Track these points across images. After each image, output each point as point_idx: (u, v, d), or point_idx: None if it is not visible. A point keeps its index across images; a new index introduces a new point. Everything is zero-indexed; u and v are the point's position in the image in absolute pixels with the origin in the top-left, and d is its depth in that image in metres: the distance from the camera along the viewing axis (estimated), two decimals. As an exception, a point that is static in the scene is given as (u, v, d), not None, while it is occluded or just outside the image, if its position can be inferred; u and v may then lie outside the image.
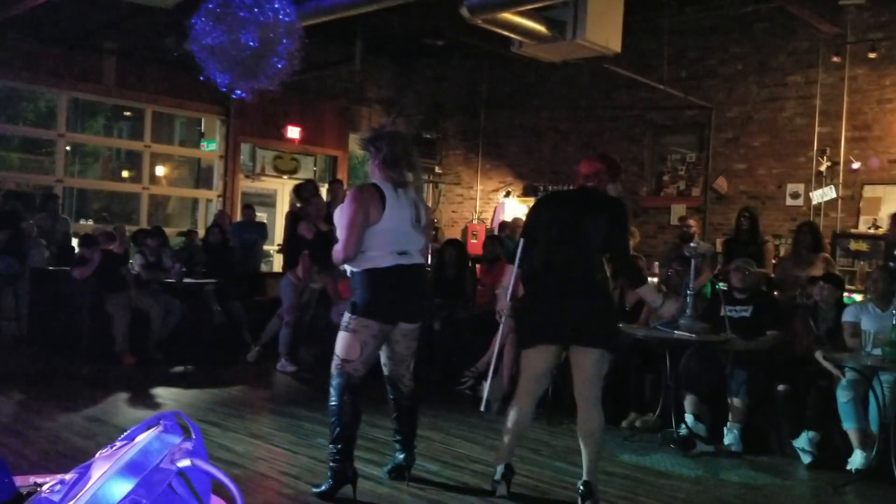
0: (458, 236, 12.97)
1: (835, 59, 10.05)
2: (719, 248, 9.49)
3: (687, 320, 6.16)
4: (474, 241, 13.01)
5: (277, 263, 12.85)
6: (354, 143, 14.88)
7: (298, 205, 10.41)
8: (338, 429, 4.41)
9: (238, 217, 12.52)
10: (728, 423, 6.15)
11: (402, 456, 4.76)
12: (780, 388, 6.01)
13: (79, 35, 11.48)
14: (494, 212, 13.66)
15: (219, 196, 13.47)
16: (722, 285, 7.14)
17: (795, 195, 10.47)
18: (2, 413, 6.30)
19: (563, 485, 5.00)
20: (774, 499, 5.21)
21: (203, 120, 13.88)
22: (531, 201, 13.10)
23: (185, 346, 9.02)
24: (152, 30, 11.14)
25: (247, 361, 8.98)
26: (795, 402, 5.94)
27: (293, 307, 8.81)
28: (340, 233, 4.40)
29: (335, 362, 4.46)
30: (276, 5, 7.21)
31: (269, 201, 14.71)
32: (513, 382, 7.47)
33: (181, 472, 1.23)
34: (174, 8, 8.28)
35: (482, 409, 4.87)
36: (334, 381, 4.44)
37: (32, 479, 1.46)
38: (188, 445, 1.28)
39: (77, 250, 9.46)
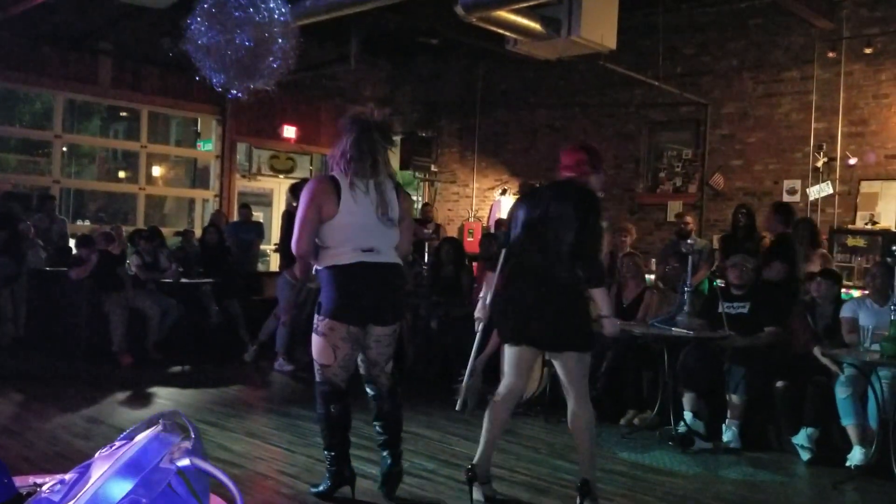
0: (455, 234, 12.96)
1: (830, 54, 10.06)
2: (716, 244, 9.50)
3: (684, 317, 6.17)
4: (471, 238, 13.00)
5: (274, 263, 12.85)
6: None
7: (294, 204, 10.40)
8: (329, 437, 4.32)
9: (235, 217, 12.51)
10: (727, 420, 6.15)
11: (388, 462, 4.45)
12: (779, 384, 6.01)
13: (74, 36, 11.47)
14: (491, 209, 13.66)
15: (215, 196, 13.46)
16: (719, 282, 7.14)
17: (792, 191, 10.47)
18: (0, 414, 6.29)
19: (562, 483, 5.00)
20: (773, 495, 5.21)
21: (199, 120, 13.88)
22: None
23: (182, 346, 9.04)
24: (148, 30, 11.14)
25: (244, 361, 8.99)
26: (794, 399, 5.93)
27: (290, 306, 8.81)
28: (295, 226, 4.22)
29: (315, 367, 4.29)
30: (272, 5, 7.22)
31: (265, 201, 14.72)
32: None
33: (180, 472, 1.23)
34: (169, 8, 8.28)
35: (458, 409, 4.62)
36: (318, 388, 4.29)
37: (32, 479, 1.46)
38: (187, 445, 1.28)
39: (74, 251, 9.45)
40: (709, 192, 11.28)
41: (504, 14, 8.40)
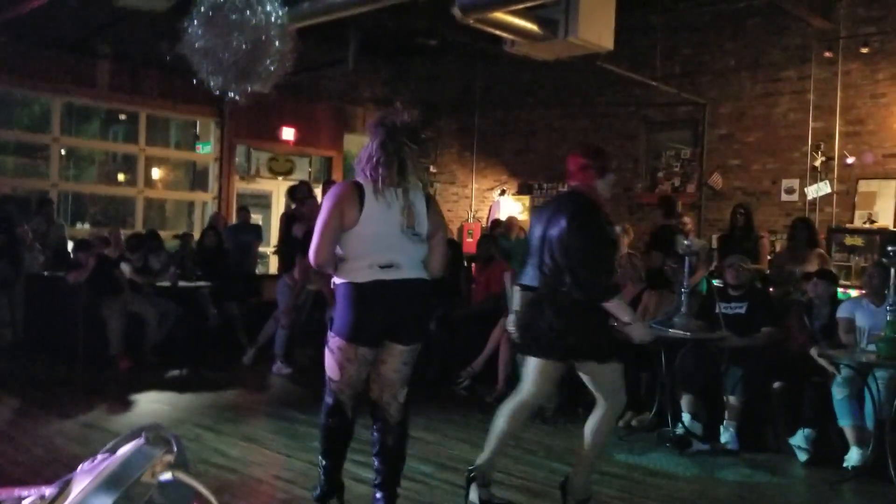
0: (454, 235, 12.96)
1: (827, 54, 10.06)
2: (714, 244, 9.50)
3: (682, 318, 6.15)
4: (470, 239, 13.01)
5: (273, 265, 12.85)
6: (349, 144, 14.90)
7: (293, 206, 10.41)
8: (324, 447, 4.15)
9: (234, 219, 12.51)
10: (724, 422, 6.15)
11: (380, 501, 4.07)
12: (776, 385, 6.01)
13: (72, 39, 11.47)
14: (490, 210, 13.68)
15: (214, 198, 13.46)
16: (717, 282, 7.14)
17: (790, 190, 10.47)
18: (-3, 419, 6.30)
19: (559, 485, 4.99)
20: (771, 497, 5.21)
21: (198, 122, 13.87)
22: (526, 199, 13.20)
23: (180, 350, 9.01)
24: (145, 33, 11.13)
25: (243, 364, 8.97)
26: (791, 400, 5.93)
27: (289, 309, 8.81)
28: (315, 234, 3.85)
29: (326, 376, 4.05)
30: (268, 7, 7.22)
31: (264, 202, 14.72)
32: (508, 383, 7.49)
33: (162, 485, 1.23)
34: (167, 11, 8.27)
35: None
36: (325, 399, 4.07)
37: (17, 491, 1.46)
38: (170, 458, 1.28)
39: (73, 255, 9.45)
40: (707, 191, 11.29)
41: (501, 15, 8.39)
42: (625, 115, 12.21)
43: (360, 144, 15.66)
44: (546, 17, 8.70)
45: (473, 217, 14.06)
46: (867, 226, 9.66)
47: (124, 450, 1.29)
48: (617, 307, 4.25)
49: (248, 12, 7.07)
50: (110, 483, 1.20)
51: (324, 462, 4.16)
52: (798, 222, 8.28)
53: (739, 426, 6.10)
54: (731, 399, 6.11)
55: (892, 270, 5.41)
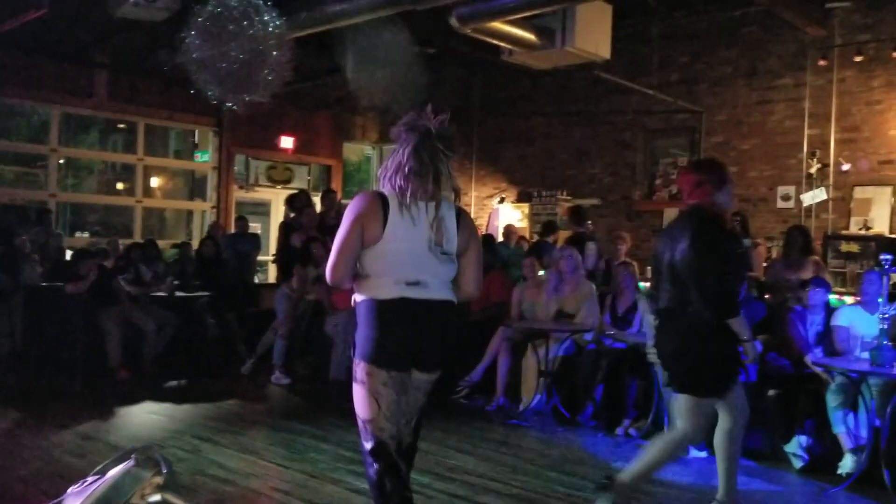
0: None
1: (822, 62, 10.10)
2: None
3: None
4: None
5: (272, 274, 12.86)
6: (348, 152, 14.93)
7: (292, 215, 10.44)
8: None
9: (232, 228, 12.53)
10: (720, 429, 6.15)
11: None
12: (771, 392, 6.03)
13: (70, 50, 11.50)
14: (489, 218, 13.70)
15: (213, 207, 13.48)
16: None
17: (786, 197, 10.51)
18: (-4, 431, 6.32)
19: (557, 495, 5.02)
20: (767, 503, 5.23)
21: (196, 131, 13.90)
22: (525, 207, 13.21)
23: (179, 360, 9.02)
24: (143, 43, 11.15)
25: (241, 374, 8.98)
26: (786, 407, 5.95)
27: (288, 319, 8.82)
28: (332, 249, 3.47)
29: (359, 423, 3.46)
30: (265, 18, 7.25)
31: (263, 211, 14.73)
32: (506, 392, 7.52)
33: (151, 508, 1.25)
34: (165, 21, 8.30)
35: None
36: (363, 445, 3.47)
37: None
38: (159, 480, 1.31)
39: (73, 265, 9.46)
40: (704, 198, 11.28)
41: (498, 25, 8.45)
42: (622, 123, 12.25)
43: (359, 153, 15.78)
44: (543, 26, 8.76)
45: (472, 225, 14.06)
46: (863, 232, 9.69)
47: (114, 472, 1.32)
48: (741, 324, 4.27)
49: (245, 23, 7.12)
50: (100, 506, 1.22)
51: None
52: (793, 229, 8.31)
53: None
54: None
55: (886, 278, 5.43)
